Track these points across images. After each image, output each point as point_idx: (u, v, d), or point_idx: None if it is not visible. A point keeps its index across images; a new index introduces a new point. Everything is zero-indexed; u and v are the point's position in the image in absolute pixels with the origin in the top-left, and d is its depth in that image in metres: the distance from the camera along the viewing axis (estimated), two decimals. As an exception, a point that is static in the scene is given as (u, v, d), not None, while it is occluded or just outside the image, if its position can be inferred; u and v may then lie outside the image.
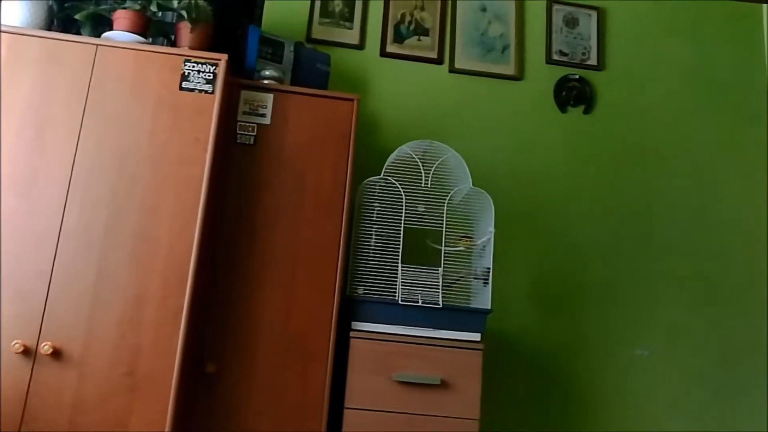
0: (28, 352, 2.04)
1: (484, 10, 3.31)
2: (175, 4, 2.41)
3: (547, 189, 3.16)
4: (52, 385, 2.04)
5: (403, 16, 3.24)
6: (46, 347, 2.03)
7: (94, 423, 2.03)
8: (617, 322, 3.07)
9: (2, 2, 2.30)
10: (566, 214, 3.15)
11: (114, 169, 2.20)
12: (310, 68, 2.79)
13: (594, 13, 3.40)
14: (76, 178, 2.17)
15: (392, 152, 2.73)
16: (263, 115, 2.52)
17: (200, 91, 2.29)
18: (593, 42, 3.37)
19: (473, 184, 2.68)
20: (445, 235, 2.54)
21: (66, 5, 2.39)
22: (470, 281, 2.58)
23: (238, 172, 2.46)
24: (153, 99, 2.26)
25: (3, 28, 2.25)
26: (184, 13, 2.39)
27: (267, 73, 2.59)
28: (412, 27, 3.23)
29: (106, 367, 2.07)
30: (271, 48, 2.70)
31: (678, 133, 3.33)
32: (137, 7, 2.37)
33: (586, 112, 3.29)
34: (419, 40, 3.23)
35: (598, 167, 3.23)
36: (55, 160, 2.17)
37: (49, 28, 2.37)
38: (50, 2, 2.34)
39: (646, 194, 3.23)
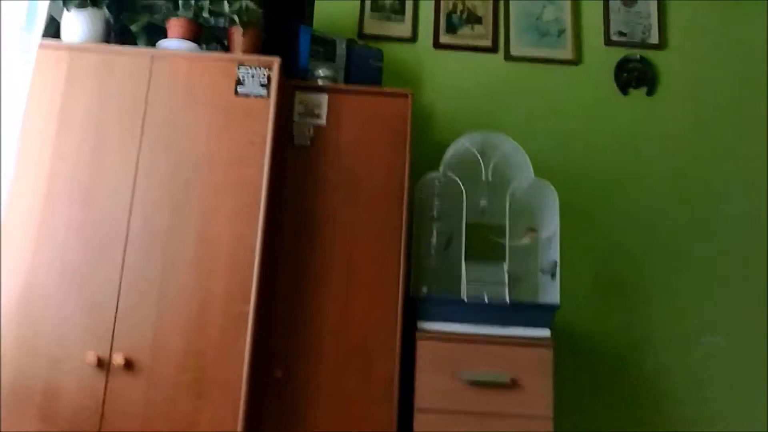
0: (101, 364, 2.07)
1: (538, -7, 3.22)
2: (226, 9, 2.41)
3: (611, 175, 3.05)
4: (124, 393, 2.07)
5: (455, 5, 3.17)
6: (118, 359, 2.07)
7: (164, 427, 2.05)
8: (686, 310, 2.94)
9: (62, 16, 2.34)
10: (631, 200, 3.03)
11: (173, 175, 2.22)
12: (363, 65, 2.76)
13: (653, -10, 3.26)
14: (138, 185, 2.20)
15: (450, 146, 2.68)
16: (319, 116, 2.51)
17: (256, 95, 2.28)
18: (653, 20, 3.23)
19: (535, 174, 2.62)
20: (509, 229, 2.47)
21: (121, 17, 2.41)
22: (537, 275, 2.51)
23: (295, 173, 2.45)
24: (208, 105, 2.28)
25: (63, 44, 2.29)
26: (235, 17, 2.39)
27: (320, 72, 2.58)
28: (464, 16, 3.16)
29: (174, 373, 2.09)
30: (323, 47, 2.68)
31: (746, 113, 3.16)
32: (190, 14, 2.38)
33: (649, 93, 3.16)
34: (472, 28, 3.15)
35: (663, 150, 3.10)
36: (116, 170, 2.20)
37: (106, 40, 2.41)
38: (107, 15, 2.37)
39: (714, 177, 3.08)
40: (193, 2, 2.45)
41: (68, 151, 2.20)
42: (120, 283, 2.12)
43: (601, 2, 3.24)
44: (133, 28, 2.38)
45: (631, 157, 3.08)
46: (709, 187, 3.07)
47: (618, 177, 3.05)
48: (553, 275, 2.47)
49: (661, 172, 3.07)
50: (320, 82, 2.56)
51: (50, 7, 2.21)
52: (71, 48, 2.29)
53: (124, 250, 2.14)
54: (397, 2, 3.14)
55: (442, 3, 3.17)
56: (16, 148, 2.05)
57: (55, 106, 2.22)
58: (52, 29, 2.34)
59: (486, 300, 2.37)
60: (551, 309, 2.39)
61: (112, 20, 2.41)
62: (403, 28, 3.12)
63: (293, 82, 2.52)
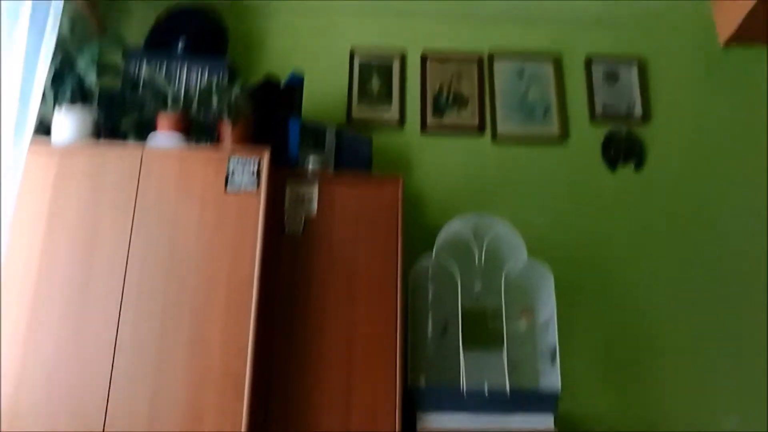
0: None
1: (521, 74, 3.28)
2: (215, 103, 2.43)
3: (605, 252, 3.03)
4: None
5: (441, 87, 3.22)
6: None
7: None
8: (698, 390, 2.86)
9: (53, 118, 2.34)
10: (628, 277, 2.99)
11: (164, 273, 2.18)
12: (353, 152, 2.77)
13: (634, 64, 3.33)
14: (128, 288, 2.16)
15: (442, 228, 2.67)
16: (310, 205, 2.50)
17: (246, 188, 2.28)
18: (636, 94, 3.29)
19: (528, 254, 2.60)
20: (505, 312, 2.44)
21: (111, 114, 2.43)
22: (537, 360, 2.47)
23: (287, 264, 2.43)
24: (199, 200, 2.26)
25: (53, 145, 2.29)
26: (224, 111, 2.41)
27: (311, 162, 2.58)
28: (450, 98, 3.21)
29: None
30: (313, 135, 2.69)
31: (736, 183, 3.18)
32: (179, 108, 2.40)
33: (638, 167, 3.18)
34: (459, 110, 3.20)
35: (656, 224, 3.09)
36: (105, 273, 2.17)
37: (97, 137, 2.41)
38: (96, 114, 2.38)
39: (711, 247, 3.06)
40: (182, 97, 2.48)
41: (57, 253, 2.17)
42: (108, 393, 2.05)
43: (584, 79, 3.30)
44: (123, 125, 2.39)
45: (624, 233, 3.06)
46: (705, 259, 3.05)
47: (613, 254, 3.03)
48: (553, 360, 2.43)
49: (656, 244, 3.05)
50: (310, 171, 2.56)
51: (40, 107, 2.22)
52: (60, 151, 2.28)
53: (113, 357, 2.09)
54: (384, 88, 3.19)
55: (428, 86, 3.22)
56: (4, 251, 2.02)
57: (43, 209, 2.20)
58: (41, 129, 2.34)
59: (486, 391, 2.31)
60: (553, 397, 2.34)
61: (101, 118, 2.42)
62: (391, 113, 3.16)
63: (284, 171, 2.52)
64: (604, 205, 3.10)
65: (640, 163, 3.19)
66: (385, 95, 3.18)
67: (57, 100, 2.31)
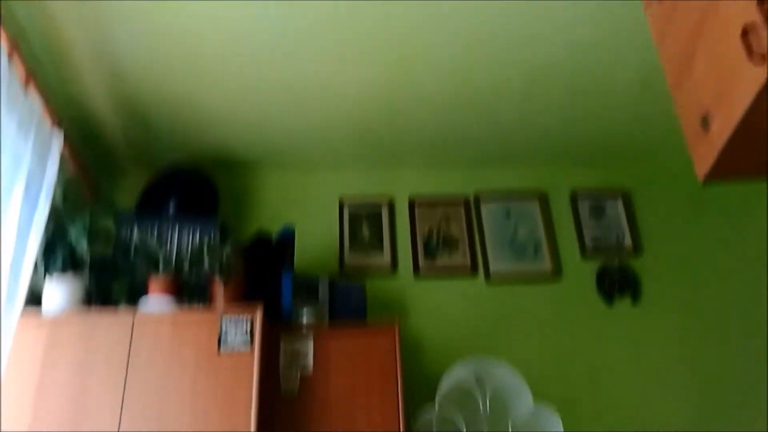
0: None
1: (508, 213, 3.33)
2: (207, 263, 2.44)
3: (609, 387, 2.94)
4: None
5: (430, 230, 3.26)
6: None
7: None
8: None
9: (43, 285, 2.34)
10: (638, 411, 2.90)
11: (157, 440, 2.10)
12: (347, 302, 2.76)
13: (619, 198, 3.40)
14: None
15: (442, 373, 2.61)
16: (305, 363, 2.45)
17: (238, 349, 2.24)
18: (624, 226, 3.33)
19: (533, 395, 2.53)
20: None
21: (103, 280, 2.43)
22: None
23: (284, 424, 2.34)
24: (192, 363, 2.22)
25: (44, 315, 2.27)
26: (216, 270, 2.41)
27: (305, 316, 2.55)
28: (441, 241, 3.24)
29: None
30: (306, 288, 2.69)
31: (732, 308, 3.14)
32: (171, 271, 2.40)
33: (634, 299, 3.16)
34: (450, 252, 3.22)
35: (659, 353, 3.03)
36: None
37: (88, 305, 2.39)
38: (87, 281, 2.38)
39: (716, 377, 2.98)
40: (173, 259, 2.49)
41: (47, 424, 2.09)
42: None
43: (571, 214, 3.35)
44: (115, 291, 2.39)
45: (628, 365, 2.99)
46: (712, 390, 2.95)
47: (618, 388, 2.94)
48: None
49: (662, 376, 2.97)
50: (305, 325, 2.53)
51: (31, 280, 2.22)
52: (51, 320, 2.26)
53: None
54: (375, 235, 3.23)
55: (417, 231, 3.26)
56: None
57: (33, 380, 2.16)
58: (32, 299, 2.33)
59: None
60: None
61: (93, 285, 2.42)
62: (383, 259, 3.17)
63: (278, 327, 2.48)
64: (605, 340, 3.05)
65: (636, 295, 3.17)
66: (377, 241, 3.21)
67: (48, 270, 2.31)
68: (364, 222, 3.26)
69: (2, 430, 2.05)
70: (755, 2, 1.32)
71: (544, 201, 3.38)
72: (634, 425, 2.86)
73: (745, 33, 1.36)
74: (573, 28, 2.59)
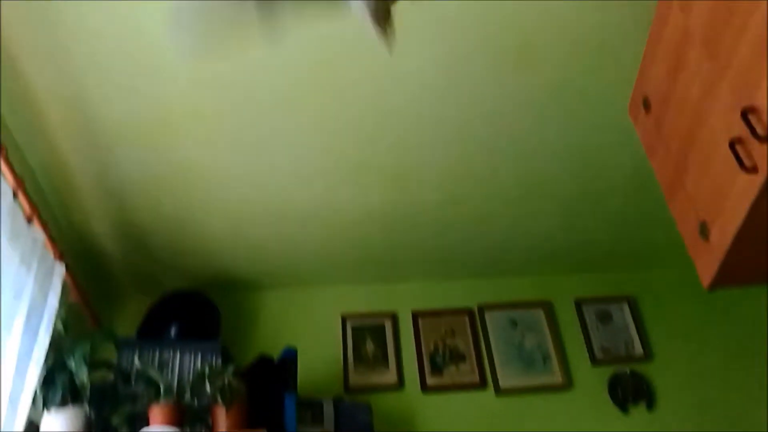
0: None
1: (514, 324, 3.29)
2: (209, 389, 2.39)
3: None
4: None
5: (436, 345, 3.21)
6: None
7: None
8: None
9: (42, 420, 2.28)
10: None
11: None
12: (353, 422, 2.68)
13: (624, 304, 3.37)
14: None
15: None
16: (312, 485, 2.35)
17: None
18: (633, 332, 3.28)
19: None
20: None
21: (103, 411, 2.37)
22: None
23: None
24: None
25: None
26: (218, 395, 2.36)
27: (309, 440, 2.48)
28: (447, 355, 3.18)
29: None
30: (310, 409, 2.62)
31: (748, 407, 3.06)
32: (171, 399, 2.35)
33: (649, 407, 3.07)
34: (458, 367, 3.15)
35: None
36: None
37: (87, 436, 2.33)
38: (87, 411, 2.32)
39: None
40: (174, 386, 2.44)
41: None
42: None
43: (578, 323, 3.31)
44: (115, 421, 2.32)
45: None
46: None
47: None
48: None
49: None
50: (310, 448, 2.46)
51: (29, 412, 2.17)
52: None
53: None
54: (379, 351, 3.17)
55: (423, 346, 3.21)
56: None
57: None
58: (32, 430, 2.26)
59: None
60: None
61: (93, 415, 2.35)
62: (388, 375, 3.10)
63: (282, 453, 2.41)
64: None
65: (651, 403, 3.08)
66: (381, 358, 3.15)
67: (47, 401, 2.26)
68: (368, 338, 3.22)
69: None
70: (740, 118, 1.36)
71: (549, 309, 3.34)
72: None
73: (733, 145, 1.40)
74: (566, 136, 2.66)
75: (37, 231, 2.33)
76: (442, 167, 2.75)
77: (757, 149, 1.34)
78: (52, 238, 2.43)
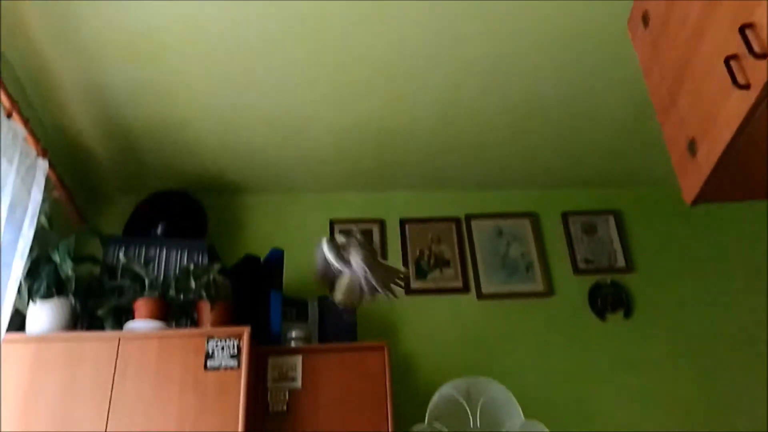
0: None
1: (500, 233, 3.32)
2: (194, 285, 2.42)
3: (600, 407, 2.91)
4: None
5: (421, 251, 3.25)
6: None
7: None
8: None
9: (27, 310, 2.32)
10: (629, 426, 2.87)
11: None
12: (337, 321, 2.74)
13: (610, 217, 3.39)
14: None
15: (433, 391, 2.59)
16: (293, 379, 2.44)
17: (226, 367, 2.23)
18: (617, 245, 3.32)
19: (525, 414, 2.51)
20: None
21: (88, 303, 2.41)
22: None
23: (273, 444, 2.31)
24: (178, 382, 2.20)
25: (27, 335, 2.25)
26: (203, 292, 2.40)
27: (293, 334, 2.54)
28: (432, 261, 3.23)
29: None
30: (295, 308, 2.68)
31: (728, 320, 3.14)
32: (157, 293, 2.38)
33: (627, 315, 3.15)
34: (442, 272, 3.20)
35: (652, 370, 3.01)
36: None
37: (74, 326, 2.37)
38: (73, 303, 2.36)
39: (710, 386, 2.96)
40: (160, 281, 2.47)
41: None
42: None
43: (564, 234, 3.34)
44: (100, 313, 2.36)
45: (620, 382, 2.97)
46: (698, 409, 2.93)
47: (609, 403, 2.92)
48: None
49: (653, 392, 2.95)
50: (293, 344, 2.52)
51: (15, 301, 2.20)
52: (36, 340, 2.24)
53: None
54: (365, 254, 3.20)
55: (408, 251, 3.24)
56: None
57: (19, 400, 2.13)
58: (17, 321, 2.31)
59: None
60: None
61: (78, 307, 2.39)
62: (373, 278, 3.15)
63: (266, 348, 2.47)
64: (597, 356, 3.03)
65: (628, 312, 3.16)
66: (367, 262, 3.19)
67: (32, 293, 2.29)
68: (355, 241, 3.24)
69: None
70: (737, 34, 1.32)
71: (535, 220, 3.37)
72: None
73: (728, 61, 1.36)
74: (563, 57, 2.61)
75: (18, 125, 2.28)
76: (437, 82, 2.70)
77: (752, 66, 1.31)
78: (34, 135, 2.39)
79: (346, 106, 2.79)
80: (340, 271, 2.29)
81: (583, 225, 3.38)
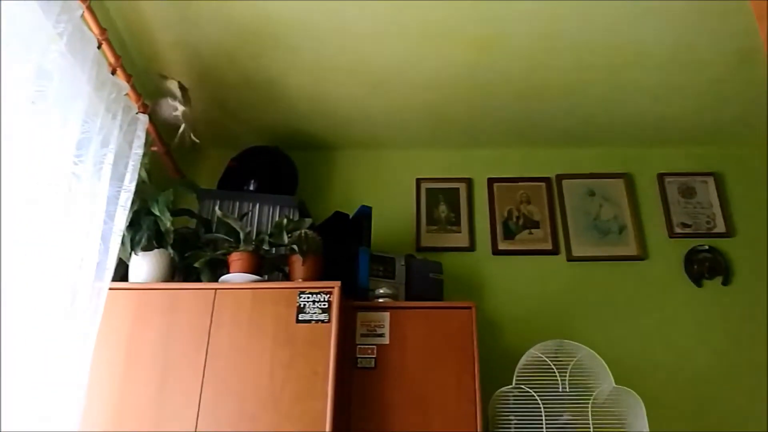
0: None
1: (592, 194, 3.23)
2: (286, 239, 2.47)
3: (695, 371, 2.82)
4: None
5: (510, 212, 3.20)
6: None
7: None
8: None
9: (130, 260, 2.43)
10: (724, 397, 2.76)
11: (236, 410, 2.14)
12: (424, 279, 2.74)
13: (710, 180, 3.24)
14: (201, 422, 2.13)
15: (519, 354, 2.57)
16: (381, 335, 2.45)
17: (317, 321, 2.26)
18: (716, 209, 3.18)
19: (615, 378, 2.45)
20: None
21: (186, 255, 2.50)
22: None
23: (360, 396, 2.35)
24: (270, 335, 2.25)
25: (130, 285, 2.36)
26: (295, 247, 2.44)
27: (381, 291, 2.56)
28: (521, 222, 3.18)
29: None
30: (383, 265, 2.69)
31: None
32: (250, 248, 2.44)
33: (725, 283, 3.01)
34: (530, 233, 3.15)
35: (751, 341, 2.88)
36: (180, 407, 2.15)
37: (172, 278, 2.47)
38: (171, 254, 2.46)
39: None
40: (254, 236, 2.53)
41: (134, 389, 2.18)
42: None
43: (659, 196, 3.22)
44: (197, 265, 2.45)
45: (715, 350, 2.86)
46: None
47: (702, 372, 2.82)
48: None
49: (750, 362, 2.83)
50: (381, 301, 2.54)
51: (119, 251, 2.31)
52: (138, 288, 2.35)
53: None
54: (452, 214, 3.19)
55: (497, 212, 3.20)
56: (85, 384, 2.03)
57: (122, 344, 2.24)
58: (121, 270, 2.42)
59: None
60: None
61: (176, 258, 2.49)
62: (460, 238, 3.14)
63: (355, 302, 2.50)
64: (691, 323, 2.93)
65: (727, 279, 3.02)
66: (454, 221, 3.18)
67: (134, 245, 2.39)
68: (442, 201, 3.23)
69: (92, 394, 2.13)
70: None
71: (629, 181, 3.26)
72: (719, 408, 2.75)
73: None
74: (664, 6, 2.48)
75: (121, 82, 2.38)
76: (530, 32, 2.61)
77: None
78: (135, 90, 2.49)
79: (437, 52, 2.73)
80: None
81: (680, 187, 3.24)
